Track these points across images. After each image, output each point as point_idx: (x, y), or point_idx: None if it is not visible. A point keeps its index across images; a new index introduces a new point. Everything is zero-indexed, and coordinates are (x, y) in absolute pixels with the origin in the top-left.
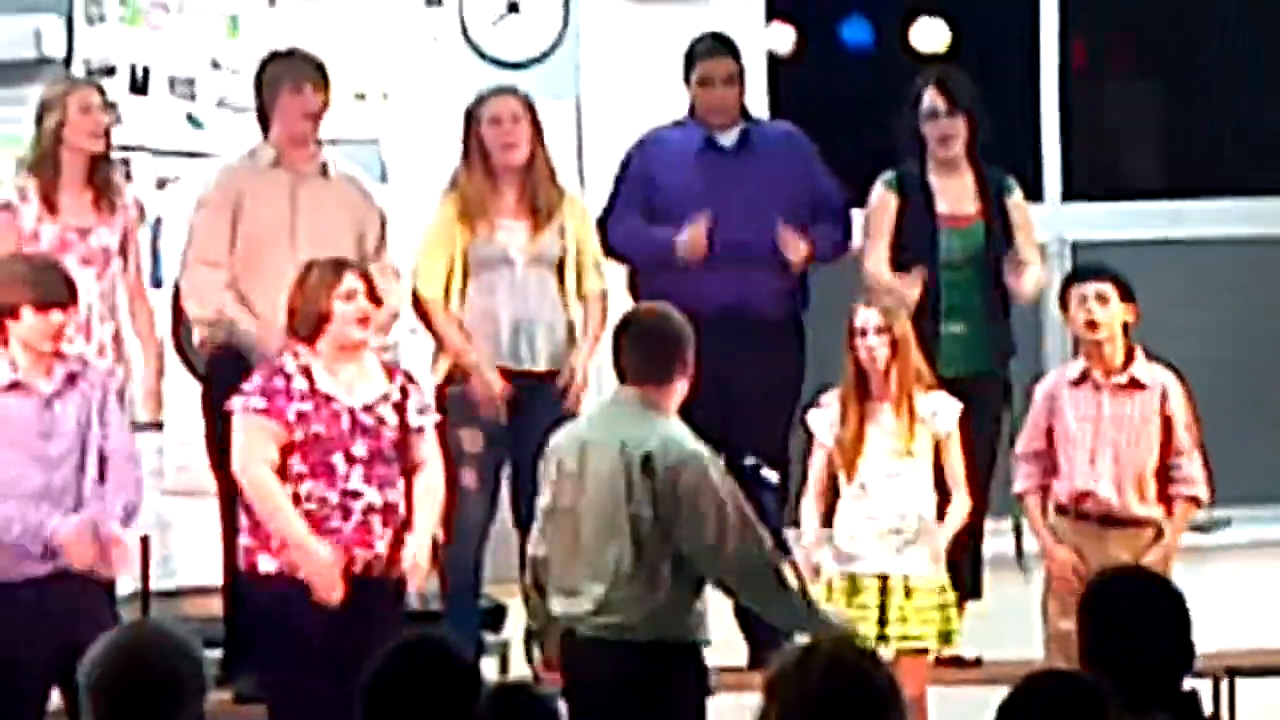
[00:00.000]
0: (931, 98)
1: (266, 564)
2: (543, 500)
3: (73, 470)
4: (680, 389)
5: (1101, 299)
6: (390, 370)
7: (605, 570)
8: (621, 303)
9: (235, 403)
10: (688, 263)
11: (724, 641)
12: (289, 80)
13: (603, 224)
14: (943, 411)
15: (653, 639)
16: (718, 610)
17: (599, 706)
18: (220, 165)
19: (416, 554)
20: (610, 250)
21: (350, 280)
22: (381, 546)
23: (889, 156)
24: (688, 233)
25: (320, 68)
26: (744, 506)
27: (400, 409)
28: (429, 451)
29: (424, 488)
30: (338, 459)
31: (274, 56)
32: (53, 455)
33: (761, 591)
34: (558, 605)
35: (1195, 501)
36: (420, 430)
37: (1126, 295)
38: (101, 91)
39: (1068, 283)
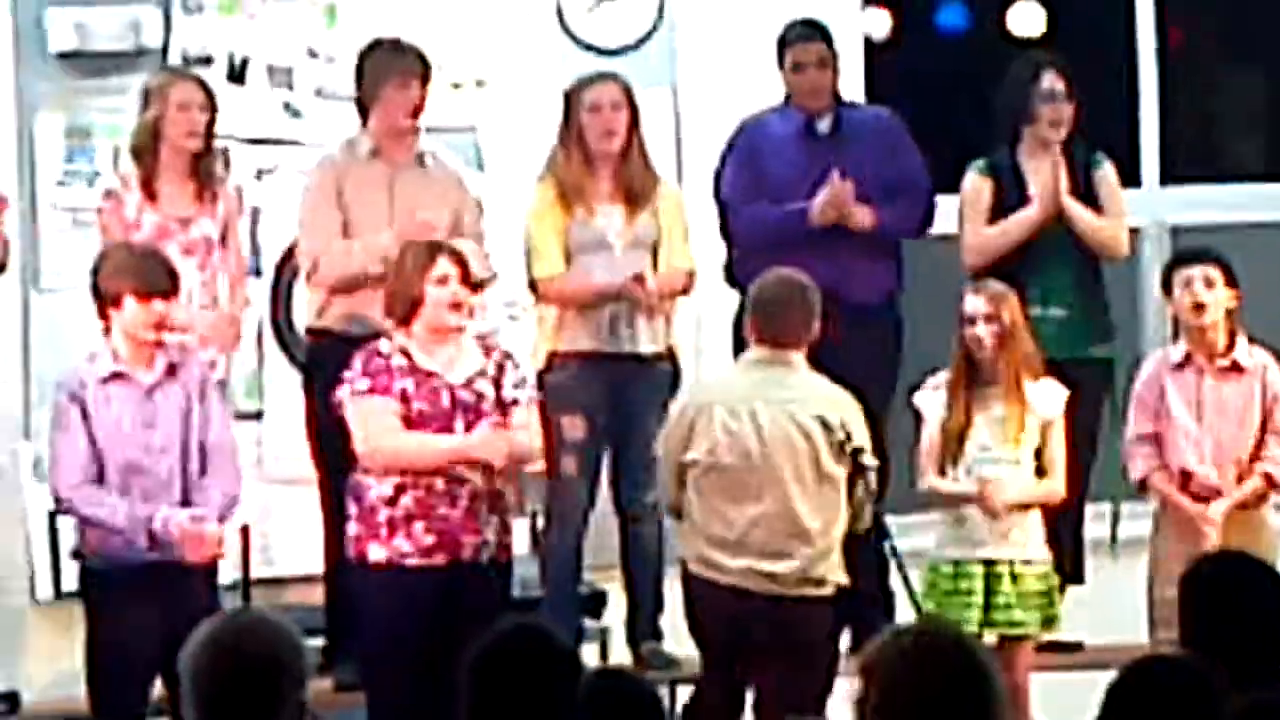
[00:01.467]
0: (1052, 80)
1: (375, 553)
2: (692, 454)
3: (174, 460)
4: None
5: (1208, 283)
6: (487, 348)
7: (808, 531)
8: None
9: (343, 392)
10: (822, 227)
11: None
12: (395, 74)
13: (723, 210)
14: (1049, 399)
15: (838, 590)
16: None
17: (813, 664)
18: (319, 158)
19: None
20: (734, 235)
21: (444, 265)
22: (490, 533)
23: (983, 139)
24: (820, 199)
25: (424, 60)
26: None
27: (497, 384)
28: (524, 421)
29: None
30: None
31: (377, 46)
32: (154, 445)
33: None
34: (726, 559)
35: (1271, 481)
36: (515, 403)
37: (1231, 280)
38: (203, 87)
39: (1171, 266)
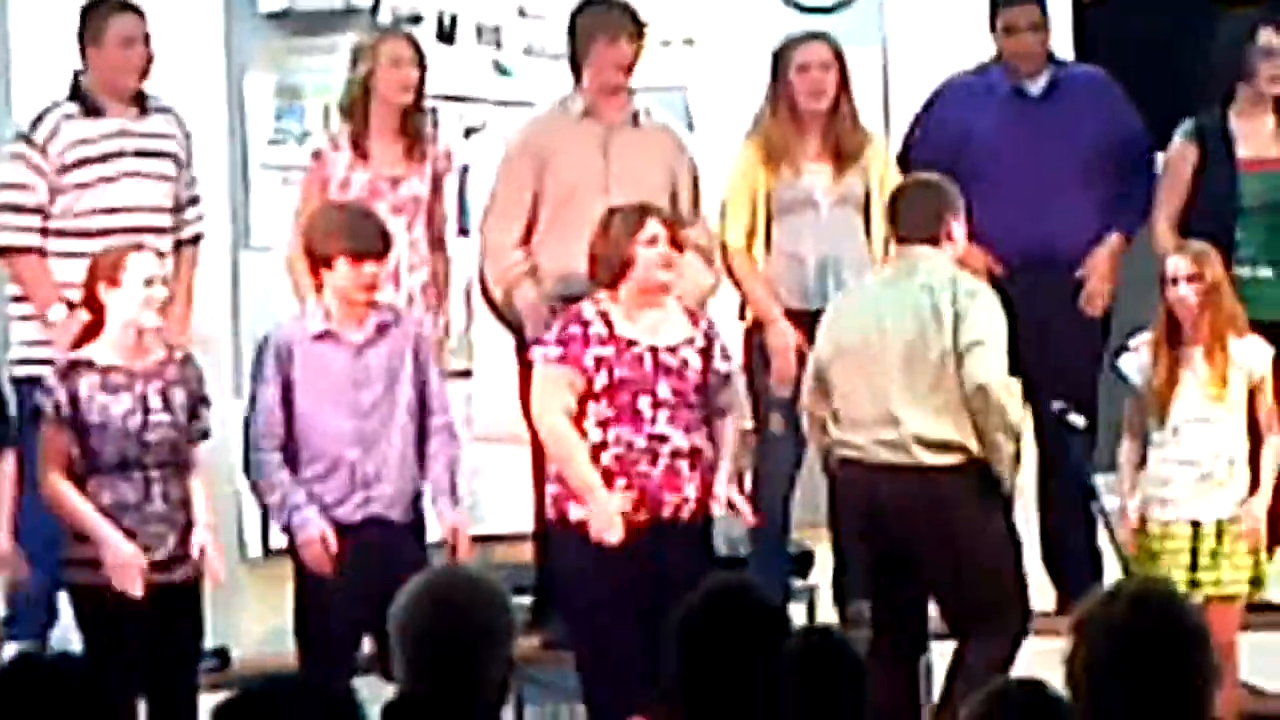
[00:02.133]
0: (1269, 36)
1: (576, 512)
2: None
3: (384, 418)
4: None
5: None
6: (694, 316)
7: (919, 399)
8: None
9: (535, 353)
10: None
11: (1034, 587)
12: (605, 31)
13: (903, 163)
14: (1255, 355)
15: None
16: (1028, 548)
17: (959, 537)
18: (530, 117)
19: (721, 492)
20: None
21: (653, 225)
22: (690, 490)
23: (1194, 97)
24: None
25: (635, 17)
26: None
27: (706, 354)
28: (733, 400)
29: (728, 438)
30: (643, 402)
31: (589, 4)
32: (364, 403)
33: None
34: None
35: None
36: (727, 376)
37: None
38: (414, 44)
39: None
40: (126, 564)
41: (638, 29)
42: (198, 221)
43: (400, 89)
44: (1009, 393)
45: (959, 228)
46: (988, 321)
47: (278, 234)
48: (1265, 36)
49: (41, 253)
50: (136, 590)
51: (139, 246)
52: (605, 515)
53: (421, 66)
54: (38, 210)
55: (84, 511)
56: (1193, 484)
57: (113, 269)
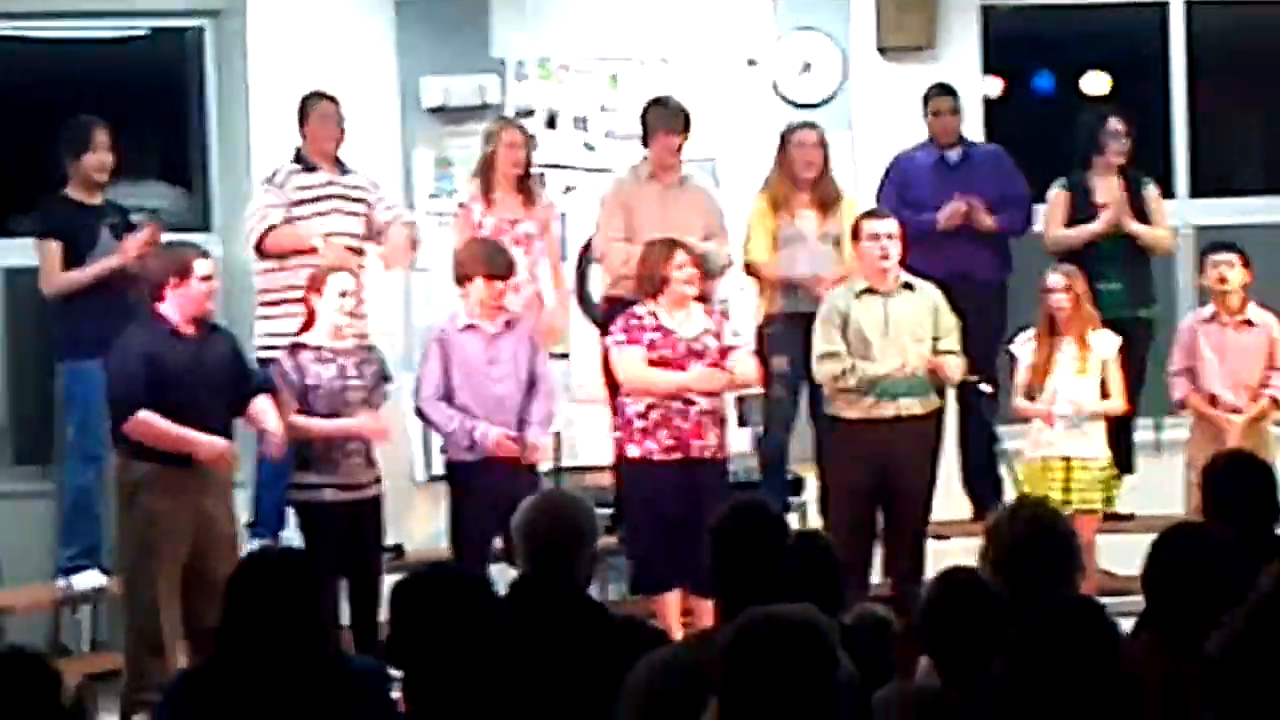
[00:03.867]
0: (1115, 124)
1: (632, 451)
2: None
3: (509, 387)
4: None
5: (1230, 264)
6: (709, 311)
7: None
8: None
9: (607, 340)
10: (935, 233)
11: (958, 503)
12: (664, 125)
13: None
14: (1105, 344)
15: None
16: (951, 476)
17: None
18: (615, 177)
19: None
20: None
21: (680, 255)
22: (711, 438)
23: (1064, 166)
24: (946, 210)
25: (686, 116)
26: None
27: (718, 336)
28: (743, 354)
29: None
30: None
31: (654, 103)
32: (494, 375)
33: None
34: None
35: (1276, 402)
36: (734, 347)
37: (1246, 264)
38: (523, 131)
39: (1205, 253)
40: (375, 430)
41: (687, 125)
42: (396, 210)
43: (514, 163)
44: None
45: None
46: None
47: (436, 259)
48: (1113, 124)
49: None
50: (385, 439)
51: (340, 268)
52: (705, 378)
53: (528, 145)
54: (284, 219)
55: (318, 424)
56: (1064, 432)
57: (319, 283)
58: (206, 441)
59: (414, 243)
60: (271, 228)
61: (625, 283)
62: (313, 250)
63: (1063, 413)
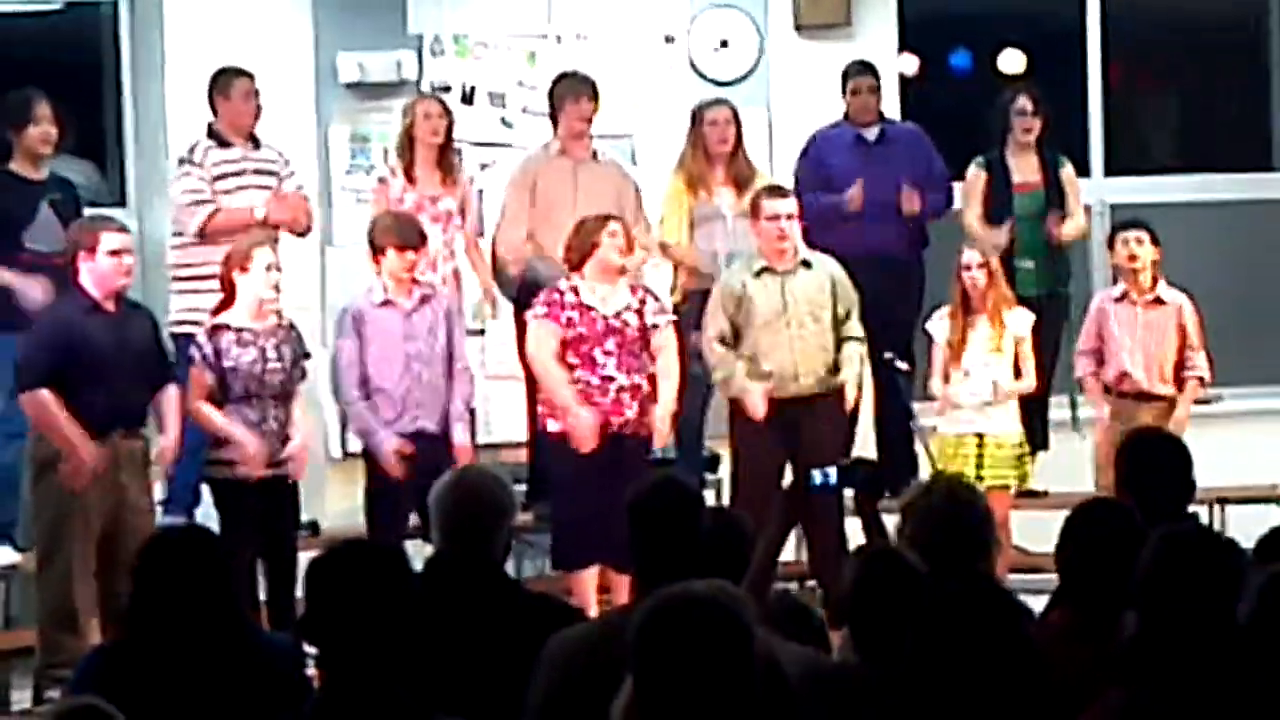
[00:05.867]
0: (1023, 102)
1: (553, 425)
2: None
3: (425, 362)
4: None
5: (1139, 242)
6: (634, 288)
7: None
8: None
9: (529, 314)
10: (849, 215)
11: None
12: (571, 94)
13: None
14: (1019, 322)
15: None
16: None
17: None
18: (524, 155)
19: (661, 419)
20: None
21: (614, 224)
22: (630, 414)
23: (981, 144)
24: (850, 193)
25: (593, 84)
26: None
27: (640, 314)
28: (665, 342)
29: (664, 371)
30: (597, 352)
31: (562, 77)
32: (411, 351)
33: None
34: None
35: (1201, 381)
36: (656, 327)
37: (1155, 241)
38: (442, 104)
39: (1115, 230)
40: (256, 453)
41: (594, 92)
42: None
43: (432, 134)
44: None
45: None
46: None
47: (352, 236)
48: (1021, 101)
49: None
50: (259, 469)
51: (259, 243)
52: (584, 428)
53: (448, 118)
54: (211, 202)
55: (221, 423)
56: (977, 408)
57: (243, 259)
58: (83, 447)
59: (308, 212)
60: (216, 210)
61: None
62: (250, 214)
63: (980, 394)
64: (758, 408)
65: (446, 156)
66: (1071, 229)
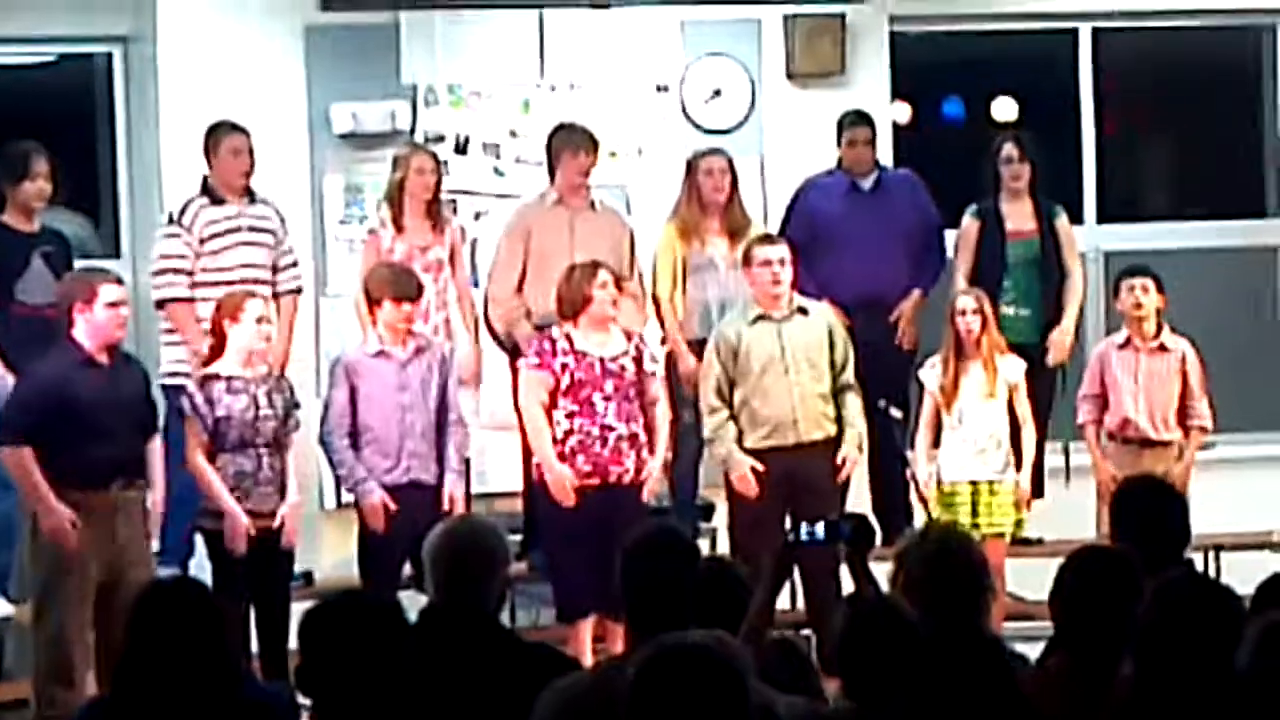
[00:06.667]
0: (1009, 150)
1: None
2: None
3: (418, 412)
4: None
5: (1145, 290)
6: (629, 334)
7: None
8: None
9: (521, 363)
10: (854, 254)
11: None
12: (571, 146)
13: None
14: (1012, 369)
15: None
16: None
17: None
18: (519, 204)
19: (654, 470)
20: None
21: (604, 275)
22: (629, 463)
23: (974, 192)
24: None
25: (592, 137)
26: None
27: (637, 361)
28: (659, 392)
29: (659, 421)
30: (596, 398)
31: (561, 128)
32: (405, 402)
33: None
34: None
35: (1203, 430)
36: (652, 375)
37: (1160, 288)
38: (434, 157)
39: (1120, 277)
40: (240, 532)
41: (594, 146)
42: (295, 280)
43: (424, 188)
44: None
45: None
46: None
47: (346, 285)
48: (1006, 149)
49: (190, 301)
50: (241, 549)
51: (252, 294)
52: (560, 484)
53: (438, 171)
54: (190, 273)
55: (217, 488)
56: (972, 455)
57: (234, 309)
58: (55, 510)
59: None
60: (175, 299)
61: (537, 313)
62: (198, 334)
63: (969, 437)
64: (747, 482)
65: (435, 206)
66: (1073, 314)
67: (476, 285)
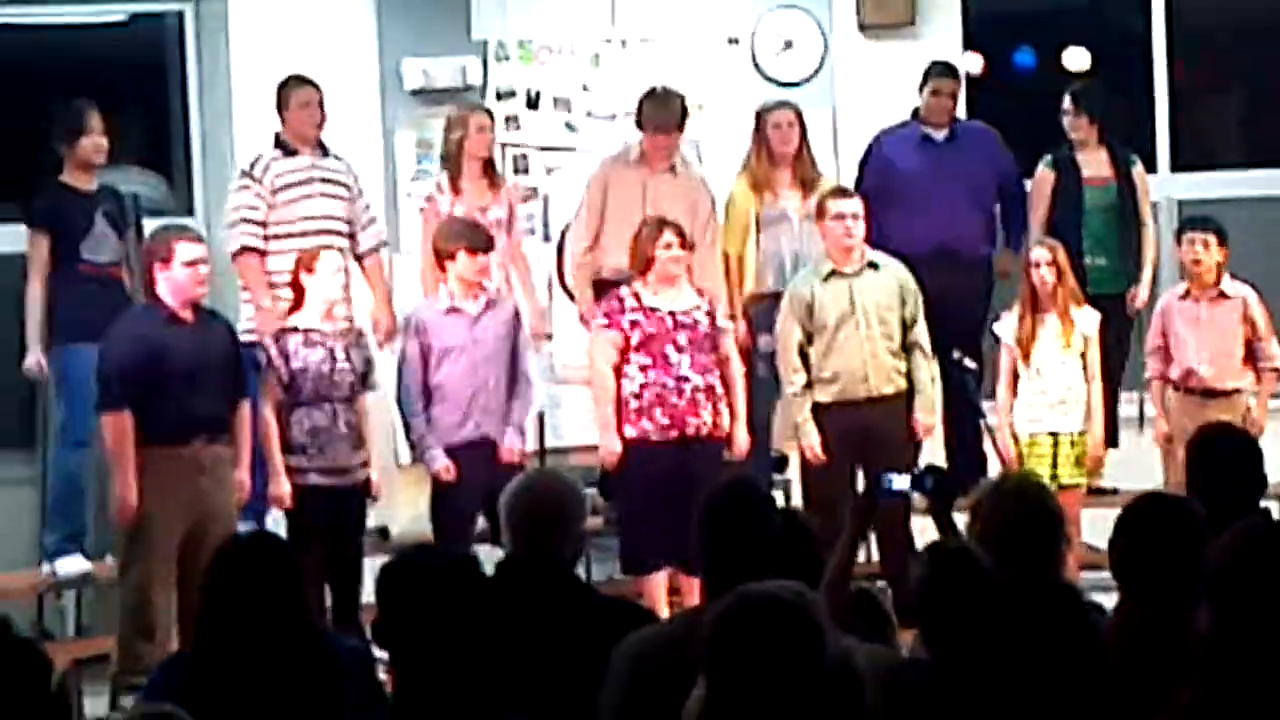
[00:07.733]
0: (1067, 102)
1: (628, 431)
2: None
3: (490, 368)
4: None
5: (1205, 245)
6: (700, 291)
7: None
8: None
9: (592, 324)
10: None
11: None
12: (655, 122)
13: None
14: (1088, 320)
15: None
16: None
17: None
18: (604, 156)
19: (739, 433)
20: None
21: (668, 235)
22: (706, 416)
23: (1046, 142)
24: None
25: (681, 113)
26: None
27: (710, 315)
28: (730, 351)
29: (734, 378)
30: (669, 349)
31: (653, 95)
32: (478, 358)
33: None
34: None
35: (1276, 371)
36: (726, 331)
37: (1222, 241)
38: (489, 115)
39: (1181, 229)
40: (280, 493)
41: (680, 121)
42: (377, 237)
43: (485, 146)
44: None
45: None
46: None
47: (418, 241)
48: (1065, 101)
49: (262, 254)
50: (285, 504)
51: (328, 247)
52: (609, 452)
53: (494, 130)
54: (263, 224)
55: (273, 443)
56: (1049, 407)
57: (310, 261)
58: (129, 485)
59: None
60: (244, 249)
61: (611, 265)
62: (264, 289)
63: (1047, 389)
64: (816, 454)
65: (491, 166)
66: (1152, 259)
67: (547, 240)
